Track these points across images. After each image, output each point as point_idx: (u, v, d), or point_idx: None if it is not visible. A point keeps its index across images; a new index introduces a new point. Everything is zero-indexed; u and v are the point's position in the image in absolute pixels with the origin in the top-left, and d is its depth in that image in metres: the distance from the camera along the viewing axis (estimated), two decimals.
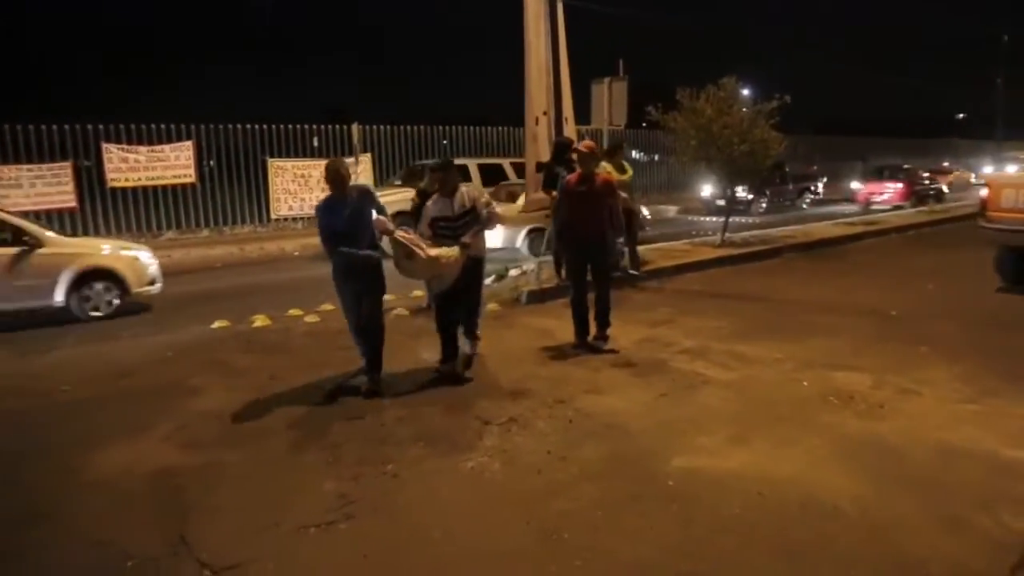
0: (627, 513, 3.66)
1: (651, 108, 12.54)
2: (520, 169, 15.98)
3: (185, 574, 3.24)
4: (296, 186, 18.11)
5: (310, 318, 8.22)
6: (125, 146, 16.12)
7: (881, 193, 22.65)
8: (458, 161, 15.33)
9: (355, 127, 18.23)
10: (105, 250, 9.05)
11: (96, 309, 8.72)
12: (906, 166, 24.49)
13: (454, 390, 5.60)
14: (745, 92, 14.56)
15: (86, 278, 8.64)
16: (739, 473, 4.04)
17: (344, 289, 5.68)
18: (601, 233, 6.43)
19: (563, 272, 9.06)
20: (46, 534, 3.62)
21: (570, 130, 10.61)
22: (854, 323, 7.43)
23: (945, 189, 25.01)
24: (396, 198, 12.86)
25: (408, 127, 19.85)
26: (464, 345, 6.19)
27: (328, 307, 8.39)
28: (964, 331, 7.02)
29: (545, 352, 6.57)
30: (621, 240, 6.99)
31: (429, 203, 6.00)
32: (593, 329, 6.65)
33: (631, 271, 9.66)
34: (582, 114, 12.55)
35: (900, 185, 22.57)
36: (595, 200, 6.43)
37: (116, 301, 8.84)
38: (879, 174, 23.75)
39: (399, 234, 5.50)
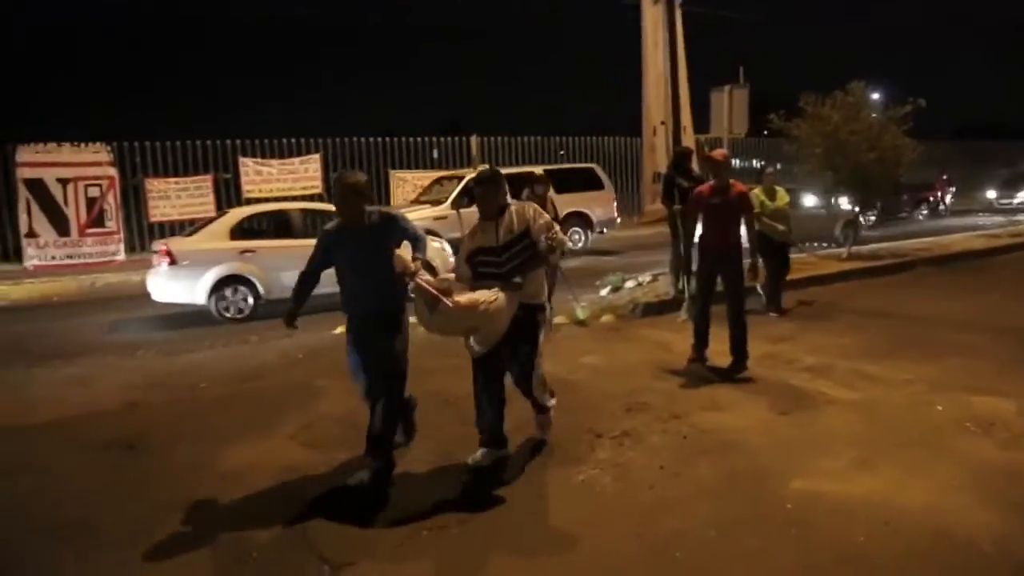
0: (742, 535, 3.55)
1: (773, 116, 12.17)
2: (556, 179, 15.55)
3: (305, 568, 3.40)
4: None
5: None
6: (260, 160, 17.15)
7: None
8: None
9: (474, 138, 18.66)
10: None
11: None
12: None
13: (567, 401, 5.59)
14: (875, 96, 13.89)
15: None
16: (864, 500, 3.85)
17: (351, 344, 4.47)
18: (735, 247, 6.15)
19: (680, 285, 8.91)
20: (189, 520, 3.90)
21: (688, 139, 10.48)
22: (996, 343, 6.91)
23: None
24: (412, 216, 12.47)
25: (526, 138, 20.09)
26: (535, 423, 4.73)
27: None
28: None
29: (661, 366, 6.46)
30: (758, 264, 6.28)
31: (465, 237, 4.60)
32: (718, 355, 6.43)
33: (770, 312, 8.49)
34: (701, 123, 12.34)
35: None
36: (729, 212, 6.17)
37: None
38: None
39: (421, 278, 4.08)
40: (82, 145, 15.45)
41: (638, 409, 5.34)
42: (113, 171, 15.51)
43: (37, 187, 14.72)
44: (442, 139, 19.49)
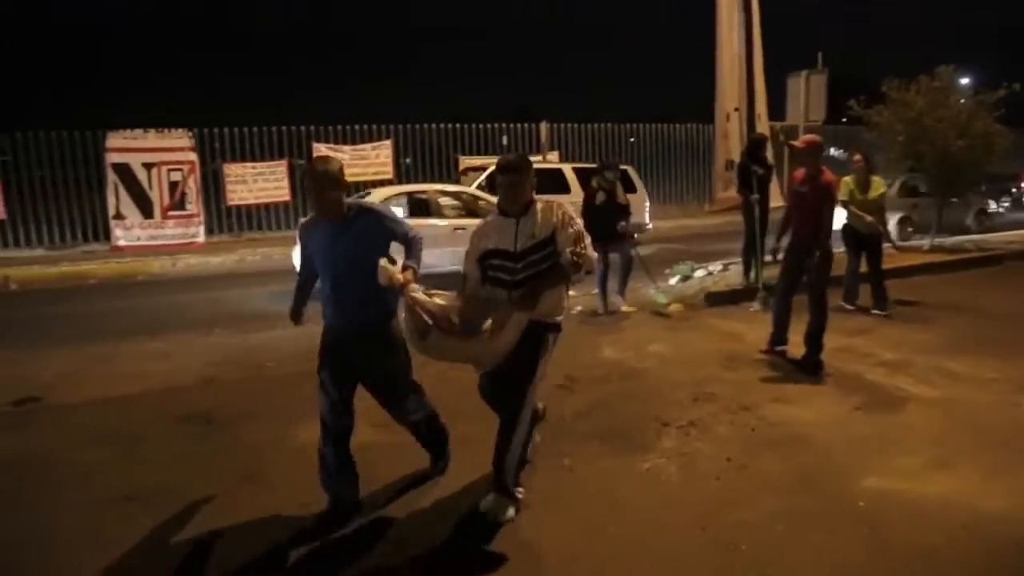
0: (811, 531, 3.47)
1: (853, 102, 11.75)
2: (584, 175, 13.96)
3: (376, 544, 3.47)
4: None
5: None
6: (332, 145, 17.47)
7: None
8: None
9: (543, 125, 18.60)
10: None
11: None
12: None
13: (634, 389, 5.57)
14: (964, 81, 13.27)
15: None
16: (942, 501, 3.70)
17: (324, 365, 3.72)
18: (815, 239, 5.90)
19: (751, 275, 8.73)
20: (260, 493, 4.03)
21: (763, 126, 10.21)
22: None
23: None
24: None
25: (595, 125, 19.94)
26: (489, 500, 3.66)
27: None
28: None
29: (730, 356, 6.35)
30: (818, 254, 5.87)
31: (476, 232, 3.80)
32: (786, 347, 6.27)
33: (874, 310, 7.88)
34: (776, 110, 12.00)
35: None
36: (814, 201, 5.91)
37: None
38: None
39: (413, 294, 3.44)
40: (166, 131, 16.04)
41: (705, 399, 5.26)
42: (194, 156, 16.04)
43: (124, 171, 15.34)
44: (511, 125, 19.48)
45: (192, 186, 15.98)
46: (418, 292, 3.44)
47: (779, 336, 6.33)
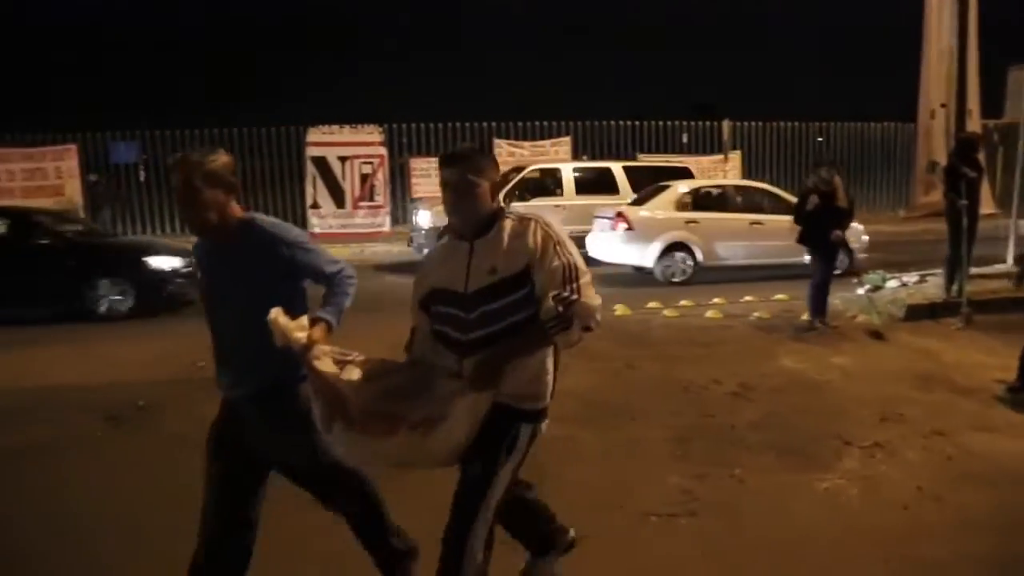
0: None
1: None
2: (634, 175, 12.82)
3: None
4: None
5: (668, 312, 8.36)
6: (512, 141, 17.92)
7: None
8: (553, 165, 13.72)
9: (726, 123, 18.05)
10: None
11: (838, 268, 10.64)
12: None
13: (814, 402, 5.26)
14: None
15: None
16: None
17: (209, 452, 2.60)
18: None
19: (954, 288, 7.97)
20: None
21: (974, 124, 9.27)
22: None
23: None
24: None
25: (782, 124, 19.05)
26: None
27: (687, 303, 8.50)
28: None
29: (925, 375, 5.84)
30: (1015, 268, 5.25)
31: (424, 260, 2.92)
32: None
33: None
34: (990, 106, 10.89)
35: None
36: None
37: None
38: None
39: (314, 362, 2.32)
40: (359, 126, 17.16)
41: (894, 420, 4.88)
42: (383, 150, 17.05)
43: (321, 164, 16.62)
44: (692, 123, 19.05)
45: (380, 178, 16.99)
46: (325, 359, 2.31)
47: None
